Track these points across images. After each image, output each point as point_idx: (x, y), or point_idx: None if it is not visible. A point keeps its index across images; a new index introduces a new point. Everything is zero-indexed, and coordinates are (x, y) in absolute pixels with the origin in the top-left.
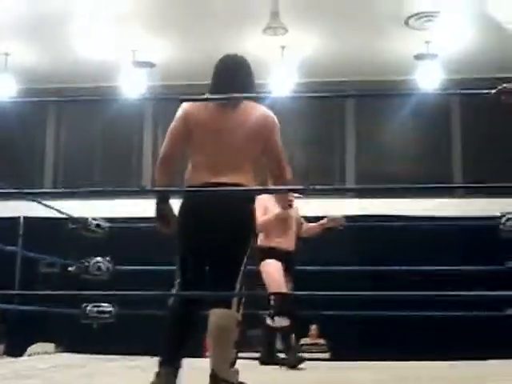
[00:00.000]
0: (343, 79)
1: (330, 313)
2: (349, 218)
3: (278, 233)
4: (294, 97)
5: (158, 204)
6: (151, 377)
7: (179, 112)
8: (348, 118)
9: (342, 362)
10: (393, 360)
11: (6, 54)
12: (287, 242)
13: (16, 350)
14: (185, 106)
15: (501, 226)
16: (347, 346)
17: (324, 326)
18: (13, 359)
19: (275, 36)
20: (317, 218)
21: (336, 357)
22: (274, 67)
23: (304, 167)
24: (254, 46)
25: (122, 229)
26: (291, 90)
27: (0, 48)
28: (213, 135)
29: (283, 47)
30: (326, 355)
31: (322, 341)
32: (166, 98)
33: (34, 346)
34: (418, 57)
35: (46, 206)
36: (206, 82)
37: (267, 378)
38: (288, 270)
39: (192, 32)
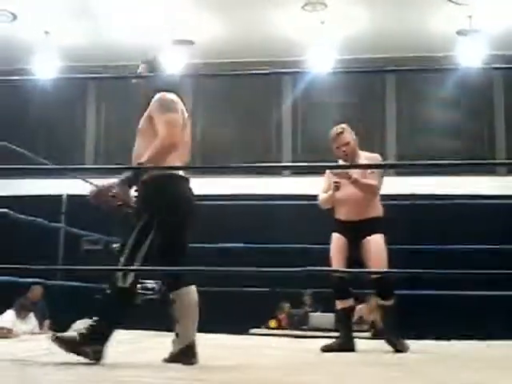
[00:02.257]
0: (384, 55)
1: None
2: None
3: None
4: (333, 73)
5: (134, 179)
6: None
7: (175, 103)
8: (389, 94)
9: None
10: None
11: (46, 33)
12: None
13: (61, 325)
14: (173, 97)
15: None
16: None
17: None
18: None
19: (314, 12)
20: None
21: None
22: (314, 44)
23: None
24: (293, 22)
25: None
26: (331, 67)
27: (41, 26)
28: (186, 128)
29: (323, 23)
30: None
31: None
32: (204, 75)
33: (78, 322)
34: (461, 32)
35: (88, 182)
36: (245, 60)
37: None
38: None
39: (231, 9)
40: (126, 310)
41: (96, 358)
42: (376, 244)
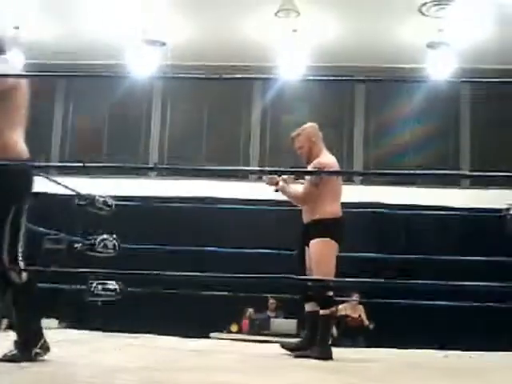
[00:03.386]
0: (354, 64)
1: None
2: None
3: None
4: (303, 80)
5: None
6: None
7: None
8: (358, 103)
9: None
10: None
11: (16, 28)
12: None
13: None
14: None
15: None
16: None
17: None
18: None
19: (287, 18)
20: None
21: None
22: (285, 50)
23: None
24: (265, 28)
25: (127, 206)
26: (302, 74)
27: (11, 22)
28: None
29: (295, 31)
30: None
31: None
32: (174, 77)
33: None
34: (431, 45)
35: (53, 181)
36: (217, 63)
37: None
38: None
39: (204, 12)
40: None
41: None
42: (313, 250)
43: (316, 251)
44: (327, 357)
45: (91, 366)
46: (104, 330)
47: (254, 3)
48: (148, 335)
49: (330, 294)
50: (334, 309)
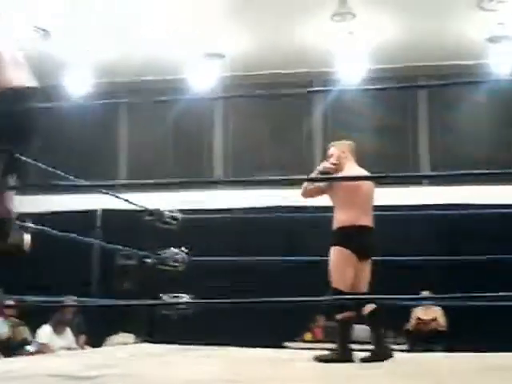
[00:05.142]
0: (414, 64)
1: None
2: (424, 207)
3: None
4: (364, 85)
5: None
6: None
7: None
8: (421, 104)
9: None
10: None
11: (79, 49)
12: None
13: (96, 340)
14: None
15: None
16: None
17: None
18: (93, 349)
19: (343, 22)
20: (392, 207)
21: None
22: (343, 54)
23: (377, 155)
24: (321, 33)
25: (195, 220)
26: (361, 77)
27: (73, 43)
28: None
29: (351, 33)
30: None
31: None
32: (235, 96)
33: (113, 337)
34: (492, 39)
35: (121, 198)
36: (275, 71)
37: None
38: None
39: (260, 21)
40: None
41: None
42: (330, 260)
43: (331, 262)
44: (346, 359)
45: (168, 379)
46: (179, 343)
47: (309, 9)
48: (222, 347)
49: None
50: (349, 314)
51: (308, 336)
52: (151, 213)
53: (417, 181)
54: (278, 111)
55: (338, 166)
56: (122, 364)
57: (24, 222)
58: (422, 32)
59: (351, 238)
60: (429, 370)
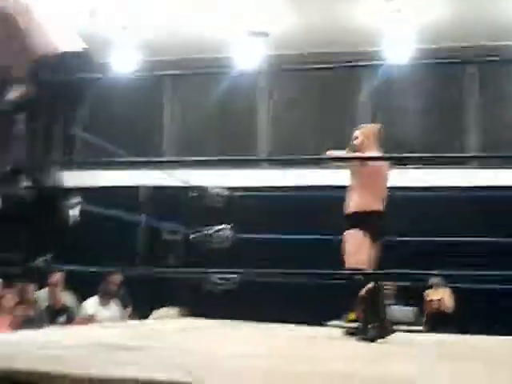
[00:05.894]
0: (464, 44)
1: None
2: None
3: None
4: (410, 65)
5: None
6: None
7: None
8: (471, 83)
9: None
10: None
11: (124, 28)
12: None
13: (141, 312)
14: None
15: None
16: None
17: None
18: (138, 322)
19: (392, 0)
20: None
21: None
22: (391, 33)
23: (424, 136)
24: (368, 11)
25: (240, 197)
26: (408, 57)
27: (119, 21)
28: None
29: (399, 11)
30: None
31: None
32: (280, 70)
33: (158, 310)
34: None
35: (167, 175)
36: (321, 50)
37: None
38: None
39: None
40: None
41: None
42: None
43: (345, 244)
44: (389, 331)
45: (210, 353)
46: (222, 318)
47: None
48: (267, 324)
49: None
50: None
51: (352, 316)
52: (196, 189)
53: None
54: (322, 90)
55: (360, 146)
56: (166, 336)
57: (71, 196)
58: (472, 10)
59: (368, 221)
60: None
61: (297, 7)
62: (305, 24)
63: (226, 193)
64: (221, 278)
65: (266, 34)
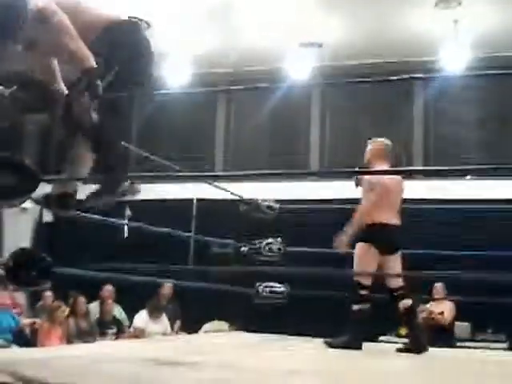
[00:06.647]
0: None
1: None
2: None
3: None
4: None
5: None
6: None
7: None
8: None
9: None
10: None
11: (180, 41)
12: None
13: (191, 326)
14: None
15: None
16: None
17: None
18: (188, 335)
19: (448, 10)
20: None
21: None
22: (447, 42)
23: (480, 145)
24: (424, 21)
25: (291, 210)
26: (465, 66)
27: (174, 35)
28: None
29: (456, 21)
30: None
31: None
32: (332, 83)
33: (208, 324)
34: None
35: (219, 188)
36: (375, 61)
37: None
38: None
39: (359, 8)
40: None
41: None
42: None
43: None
44: (354, 347)
45: (262, 369)
46: (273, 333)
47: None
48: (318, 338)
49: (362, 292)
50: (364, 306)
51: (403, 330)
52: (247, 202)
53: None
54: (376, 102)
55: (368, 163)
56: (216, 352)
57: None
58: None
59: (375, 234)
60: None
61: (349, 17)
62: (358, 34)
63: (277, 205)
64: (271, 292)
65: (319, 45)
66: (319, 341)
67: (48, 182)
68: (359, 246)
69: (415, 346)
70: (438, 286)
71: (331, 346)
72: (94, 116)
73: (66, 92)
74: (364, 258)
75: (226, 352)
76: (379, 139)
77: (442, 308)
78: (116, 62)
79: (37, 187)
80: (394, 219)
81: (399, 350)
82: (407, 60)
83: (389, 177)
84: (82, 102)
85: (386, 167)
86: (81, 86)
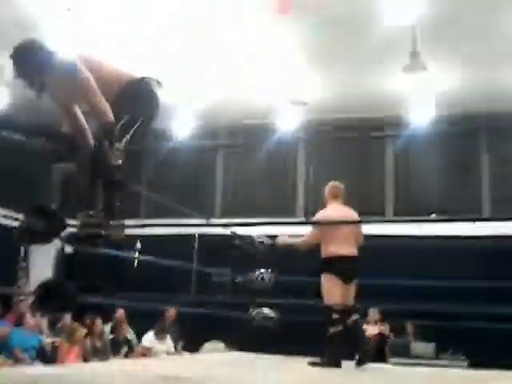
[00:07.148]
0: (477, 109)
1: None
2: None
3: None
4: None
5: None
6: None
7: None
8: (481, 144)
9: None
10: None
11: (187, 98)
12: None
13: (191, 346)
14: None
15: None
16: None
17: None
18: (190, 354)
19: (414, 74)
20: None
21: None
22: (413, 101)
23: (441, 194)
24: (395, 83)
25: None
26: (430, 121)
27: (183, 92)
28: None
29: (421, 82)
30: None
31: None
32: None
33: (206, 344)
34: None
35: (217, 226)
36: (351, 116)
37: None
38: None
39: (337, 71)
40: None
41: None
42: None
43: (322, 285)
44: (334, 365)
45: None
46: (266, 352)
47: (383, 61)
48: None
49: (335, 316)
50: (338, 328)
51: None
52: (242, 238)
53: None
54: (353, 152)
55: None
56: (218, 368)
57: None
58: (485, 81)
59: (336, 265)
60: None
61: (331, 78)
62: (338, 93)
63: (269, 241)
64: (264, 317)
65: (304, 103)
66: (305, 359)
67: (74, 226)
68: (323, 276)
69: (329, 362)
70: (371, 310)
71: (314, 365)
72: (116, 163)
73: (92, 143)
74: (329, 286)
75: (226, 369)
76: (332, 182)
77: (377, 329)
78: (140, 116)
79: (64, 230)
80: (347, 250)
81: (312, 364)
82: (379, 116)
83: (337, 213)
84: (108, 154)
85: (338, 204)
86: (104, 138)
